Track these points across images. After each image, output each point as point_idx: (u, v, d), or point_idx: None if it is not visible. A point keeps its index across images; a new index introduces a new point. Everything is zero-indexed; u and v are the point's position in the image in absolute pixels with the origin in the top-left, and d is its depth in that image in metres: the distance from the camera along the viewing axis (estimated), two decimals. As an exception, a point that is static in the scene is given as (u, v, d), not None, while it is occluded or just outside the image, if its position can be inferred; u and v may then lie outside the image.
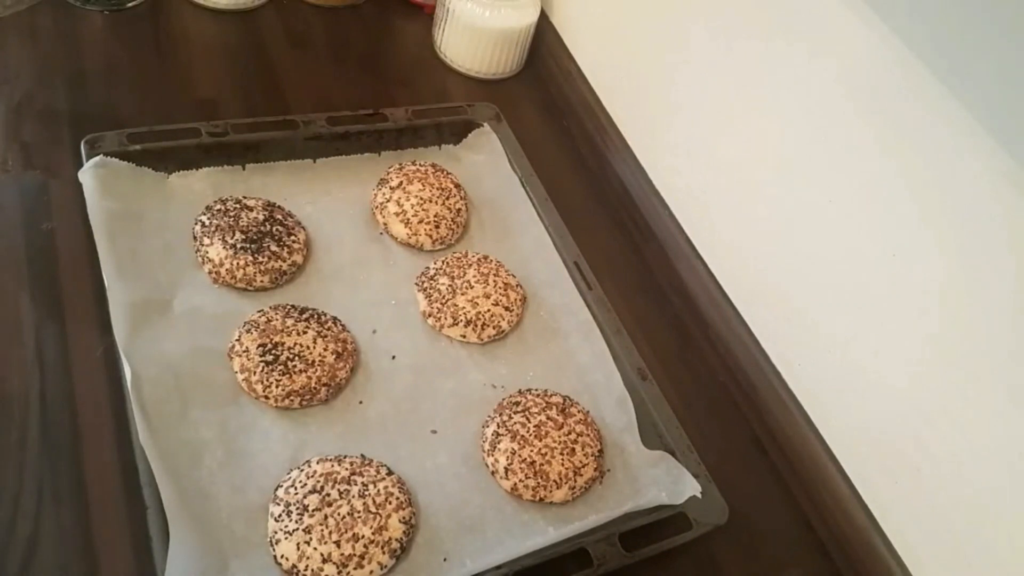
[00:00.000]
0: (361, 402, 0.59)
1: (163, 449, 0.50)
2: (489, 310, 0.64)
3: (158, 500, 0.48)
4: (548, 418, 0.58)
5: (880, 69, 0.54)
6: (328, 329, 0.59)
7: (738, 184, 0.69)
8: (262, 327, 0.58)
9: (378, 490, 0.52)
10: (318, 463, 0.53)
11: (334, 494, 0.51)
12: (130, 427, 0.51)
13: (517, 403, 0.60)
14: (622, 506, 0.56)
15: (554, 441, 0.57)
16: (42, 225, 0.61)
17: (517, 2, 0.85)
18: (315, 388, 0.57)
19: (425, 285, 0.66)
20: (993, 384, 0.51)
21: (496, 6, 0.84)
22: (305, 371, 0.56)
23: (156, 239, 0.62)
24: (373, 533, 0.50)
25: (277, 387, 0.55)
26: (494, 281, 0.66)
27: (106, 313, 0.56)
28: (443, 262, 0.67)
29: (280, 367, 0.56)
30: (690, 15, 0.72)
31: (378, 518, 0.51)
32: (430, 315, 0.64)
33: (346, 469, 0.53)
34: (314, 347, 0.58)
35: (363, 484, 0.52)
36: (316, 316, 0.60)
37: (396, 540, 0.51)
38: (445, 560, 0.52)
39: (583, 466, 0.57)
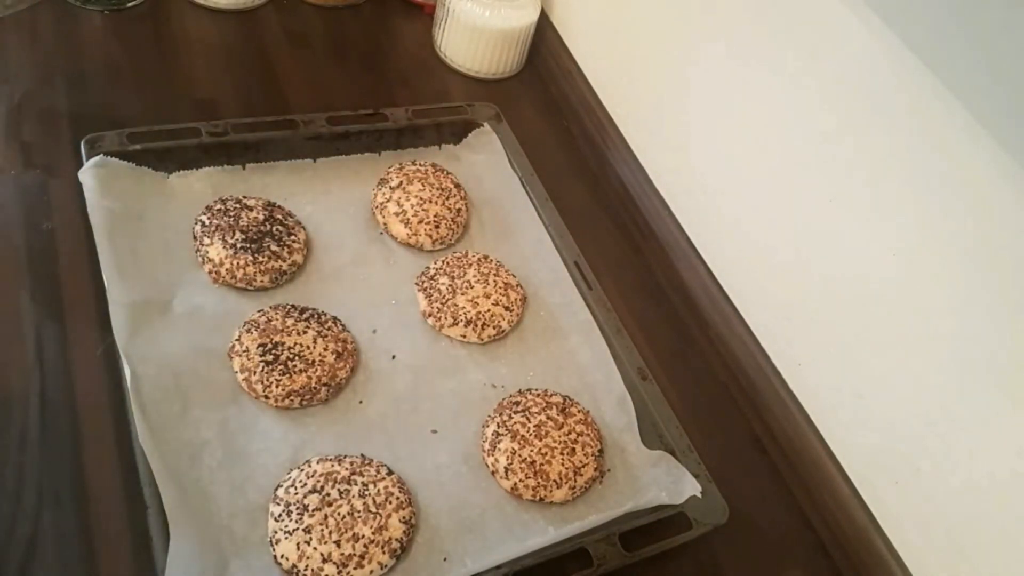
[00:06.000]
0: (361, 402, 0.59)
1: (163, 449, 0.50)
2: (489, 310, 0.64)
3: (158, 500, 0.48)
4: (548, 418, 0.58)
5: (881, 70, 0.54)
6: (328, 329, 0.59)
7: (738, 183, 0.69)
8: (262, 327, 0.58)
9: (378, 490, 0.52)
10: (318, 463, 0.53)
11: (334, 494, 0.51)
12: (130, 427, 0.51)
13: (517, 403, 0.60)
14: (622, 506, 0.56)
15: (554, 441, 0.57)
16: (42, 225, 0.61)
17: (517, 2, 0.85)
18: (315, 388, 0.57)
19: (425, 285, 0.66)
20: (993, 384, 0.51)
21: (496, 6, 0.84)
22: (305, 371, 0.56)
23: (156, 239, 0.62)
24: (373, 533, 0.50)
25: (277, 387, 0.55)
26: (494, 281, 0.66)
27: (106, 313, 0.56)
28: (443, 262, 0.67)
29: (280, 367, 0.56)
30: (690, 15, 0.72)
31: (378, 518, 0.51)
32: (430, 315, 0.64)
33: (346, 469, 0.53)
34: (314, 347, 0.58)
35: (363, 484, 0.52)
36: (316, 316, 0.60)
37: (396, 540, 0.51)
38: (445, 560, 0.52)
39: (583, 466, 0.57)
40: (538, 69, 0.93)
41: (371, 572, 0.50)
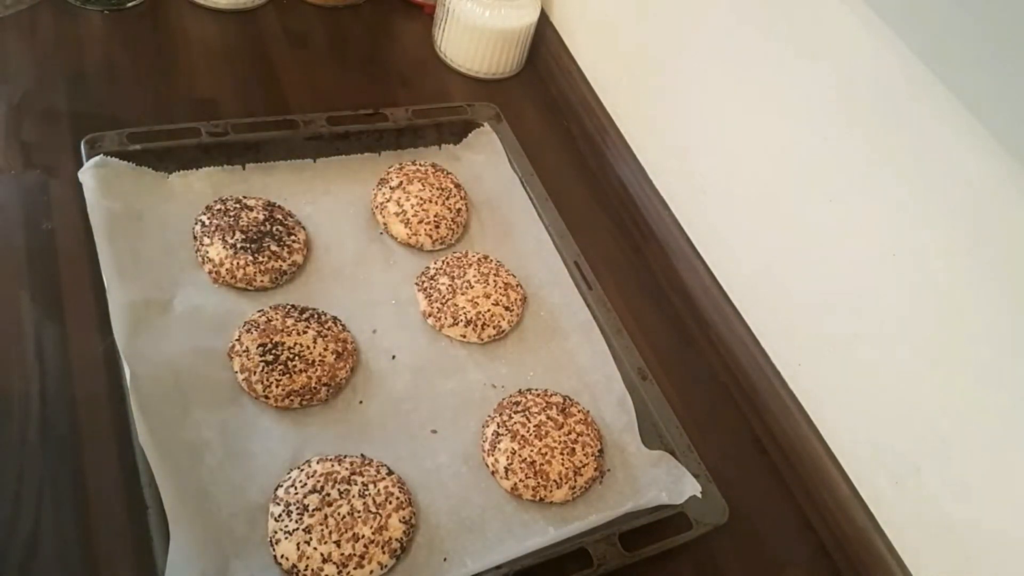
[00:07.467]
0: (361, 402, 0.59)
1: (163, 449, 0.50)
2: (489, 310, 0.64)
3: (158, 500, 0.48)
4: (548, 418, 0.58)
5: (881, 70, 0.54)
6: (328, 329, 0.59)
7: (738, 184, 0.69)
8: (262, 327, 0.58)
9: (378, 490, 0.52)
10: (318, 463, 0.53)
11: (334, 494, 0.51)
12: (130, 427, 0.51)
13: (517, 403, 0.60)
14: (622, 506, 0.56)
15: (554, 441, 0.57)
16: (42, 225, 0.61)
17: (517, 2, 0.85)
18: (315, 388, 0.57)
19: (425, 285, 0.66)
20: (993, 383, 0.51)
21: (496, 6, 0.84)
22: (305, 371, 0.56)
23: (156, 239, 0.62)
24: (373, 533, 0.50)
25: (277, 387, 0.55)
26: (494, 281, 0.66)
27: (106, 313, 0.56)
28: (443, 262, 0.67)
29: (280, 367, 0.56)
30: (690, 15, 0.72)
31: (378, 518, 0.51)
32: (430, 315, 0.64)
33: (346, 469, 0.53)
34: (314, 347, 0.58)
35: (363, 484, 0.52)
36: (316, 316, 0.60)
37: (396, 540, 0.51)
38: (445, 560, 0.52)
39: (583, 466, 0.57)
40: (538, 69, 0.93)
41: (371, 572, 0.50)
